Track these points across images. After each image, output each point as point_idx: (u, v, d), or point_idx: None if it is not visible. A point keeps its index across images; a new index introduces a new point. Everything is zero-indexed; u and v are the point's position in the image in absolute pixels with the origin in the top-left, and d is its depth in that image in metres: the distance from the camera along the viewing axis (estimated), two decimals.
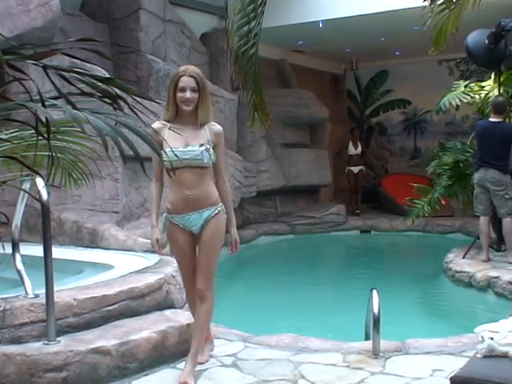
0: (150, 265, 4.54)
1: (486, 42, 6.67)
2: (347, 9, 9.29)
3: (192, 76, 3.27)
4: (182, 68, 3.35)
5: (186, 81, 3.25)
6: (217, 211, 3.36)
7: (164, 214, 3.41)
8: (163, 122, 3.29)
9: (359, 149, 12.05)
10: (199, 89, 3.26)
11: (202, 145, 3.27)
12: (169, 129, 3.21)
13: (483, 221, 6.56)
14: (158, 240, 3.43)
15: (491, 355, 2.41)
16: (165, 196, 3.49)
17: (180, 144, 3.21)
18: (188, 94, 3.24)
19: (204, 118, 3.31)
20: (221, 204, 3.40)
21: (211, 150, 3.30)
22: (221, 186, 3.44)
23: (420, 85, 13.08)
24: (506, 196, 6.35)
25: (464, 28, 5.59)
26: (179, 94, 3.25)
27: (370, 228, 10.96)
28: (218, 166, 3.42)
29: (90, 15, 7.95)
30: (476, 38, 6.82)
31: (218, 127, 3.40)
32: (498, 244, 6.92)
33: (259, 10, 4.45)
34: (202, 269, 3.35)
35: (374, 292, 3.85)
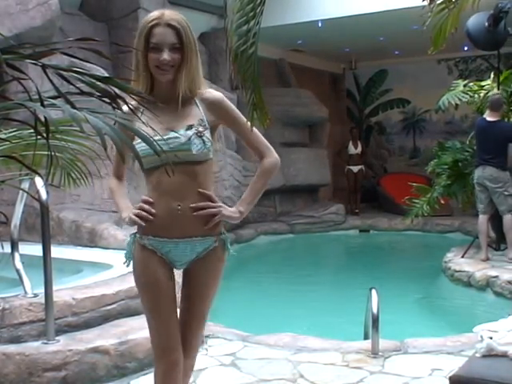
0: None
1: (486, 24, 6.66)
2: (346, 8, 9.30)
3: (171, 26, 2.08)
4: (155, 14, 2.10)
5: (161, 34, 2.07)
6: (217, 244, 2.21)
7: (131, 235, 2.26)
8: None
9: (359, 148, 12.06)
10: (183, 46, 2.09)
11: (190, 127, 2.12)
12: (141, 112, 1.89)
13: (482, 220, 6.57)
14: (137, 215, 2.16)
15: (490, 354, 2.41)
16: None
17: (159, 130, 1.90)
18: (165, 55, 2.06)
19: (189, 90, 2.14)
20: (224, 232, 2.26)
21: (207, 133, 2.14)
22: (263, 164, 2.28)
23: (419, 84, 13.08)
24: (506, 193, 6.35)
25: (463, 28, 5.59)
26: (152, 56, 2.08)
27: (369, 227, 10.96)
28: (250, 140, 2.28)
29: (89, 15, 7.97)
30: (476, 20, 6.78)
31: (214, 94, 2.22)
32: (497, 243, 6.92)
33: (258, 10, 4.43)
34: (191, 321, 2.27)
35: (373, 291, 3.85)
